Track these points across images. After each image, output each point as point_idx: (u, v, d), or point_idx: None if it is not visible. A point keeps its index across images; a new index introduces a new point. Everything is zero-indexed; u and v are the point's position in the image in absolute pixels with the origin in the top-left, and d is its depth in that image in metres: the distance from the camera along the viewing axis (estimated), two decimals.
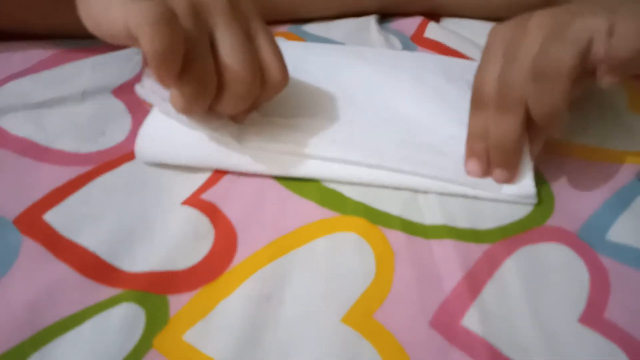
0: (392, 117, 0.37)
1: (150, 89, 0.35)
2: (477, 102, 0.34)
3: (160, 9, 0.27)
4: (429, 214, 0.32)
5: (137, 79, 0.41)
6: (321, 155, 0.33)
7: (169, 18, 0.27)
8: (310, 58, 0.41)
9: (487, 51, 0.34)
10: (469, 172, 0.33)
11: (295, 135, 0.34)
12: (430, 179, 0.33)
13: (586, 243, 0.31)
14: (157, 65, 0.27)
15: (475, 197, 0.33)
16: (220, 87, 0.30)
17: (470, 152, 0.34)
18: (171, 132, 0.34)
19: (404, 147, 0.35)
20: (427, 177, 0.33)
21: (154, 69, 0.27)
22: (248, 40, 0.31)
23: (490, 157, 0.33)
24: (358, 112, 0.37)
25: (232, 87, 0.30)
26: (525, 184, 0.33)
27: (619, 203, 0.33)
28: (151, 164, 0.34)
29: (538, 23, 0.31)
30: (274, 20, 0.48)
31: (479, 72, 0.34)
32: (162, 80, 0.28)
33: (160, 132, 0.34)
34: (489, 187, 0.33)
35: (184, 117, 0.32)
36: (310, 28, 0.48)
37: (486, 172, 0.33)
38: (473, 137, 0.34)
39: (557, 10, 0.32)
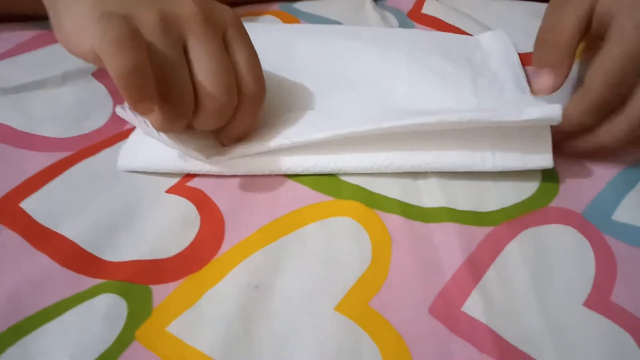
0: (391, 103, 0.35)
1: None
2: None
3: (122, 28, 0.25)
4: (429, 196, 0.31)
5: None
6: (312, 139, 0.31)
7: (131, 36, 0.25)
8: (302, 43, 0.39)
9: None
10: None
11: (284, 131, 0.32)
12: (437, 121, 0.29)
13: (592, 224, 0.30)
14: (123, 87, 0.25)
15: (477, 179, 0.31)
16: (196, 103, 0.28)
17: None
18: (153, 148, 0.31)
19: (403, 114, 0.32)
20: (433, 123, 0.29)
21: (122, 92, 0.26)
22: (223, 52, 0.29)
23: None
24: (355, 99, 0.35)
25: (207, 104, 0.28)
26: (548, 107, 0.29)
27: (624, 183, 0.32)
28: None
29: None
30: None
31: None
32: (132, 103, 0.26)
33: (143, 147, 0.32)
34: (508, 114, 0.29)
35: (164, 137, 0.29)
36: (303, 6, 0.46)
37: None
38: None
39: None
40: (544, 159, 0.31)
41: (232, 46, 0.29)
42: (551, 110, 0.29)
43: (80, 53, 0.29)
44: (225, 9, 0.30)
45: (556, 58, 0.33)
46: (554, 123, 0.29)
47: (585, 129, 0.32)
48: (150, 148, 0.31)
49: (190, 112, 0.28)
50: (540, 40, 0.34)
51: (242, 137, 0.32)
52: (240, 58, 0.29)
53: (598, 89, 0.30)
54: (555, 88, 0.33)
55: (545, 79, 0.33)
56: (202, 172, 0.31)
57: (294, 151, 0.31)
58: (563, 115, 0.29)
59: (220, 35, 0.29)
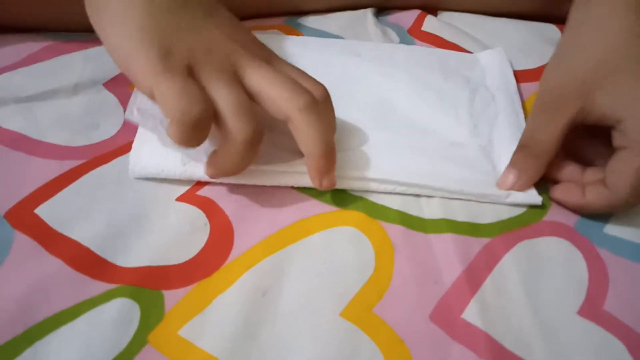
0: (391, 121, 0.36)
1: (146, 113, 0.32)
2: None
3: (202, 114, 0.27)
4: (429, 208, 0.32)
5: None
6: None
7: (209, 117, 0.27)
8: (304, 55, 0.40)
9: None
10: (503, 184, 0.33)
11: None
12: (436, 190, 0.32)
13: (584, 236, 0.31)
14: (182, 140, 0.27)
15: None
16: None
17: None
18: (164, 155, 0.32)
19: (407, 155, 0.34)
20: (433, 188, 0.32)
21: (177, 138, 0.27)
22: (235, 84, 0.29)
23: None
24: (354, 113, 0.36)
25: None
26: (531, 193, 0.33)
27: None
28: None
29: None
30: (270, 12, 0.47)
31: None
32: (183, 142, 0.28)
33: (154, 155, 0.33)
34: (495, 197, 0.32)
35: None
36: (307, 21, 0.47)
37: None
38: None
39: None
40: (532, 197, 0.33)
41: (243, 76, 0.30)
42: (534, 199, 0.33)
43: (126, 73, 0.30)
44: (240, 38, 0.31)
45: (531, 166, 0.33)
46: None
47: None
48: (160, 155, 0.32)
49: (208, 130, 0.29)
50: (522, 144, 0.33)
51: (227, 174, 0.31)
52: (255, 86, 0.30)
53: (624, 196, 0.30)
54: (520, 190, 0.33)
55: (512, 179, 0.33)
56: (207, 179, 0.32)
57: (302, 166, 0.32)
58: (584, 204, 0.31)
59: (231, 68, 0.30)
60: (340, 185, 0.32)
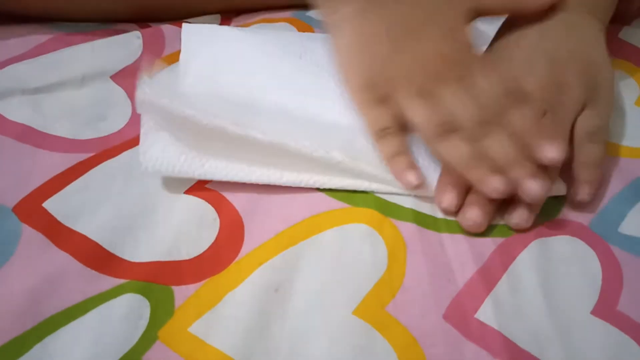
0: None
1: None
2: None
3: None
4: None
5: (137, 64, 0.40)
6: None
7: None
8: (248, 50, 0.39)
9: None
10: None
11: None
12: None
13: (598, 235, 0.31)
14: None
15: None
16: None
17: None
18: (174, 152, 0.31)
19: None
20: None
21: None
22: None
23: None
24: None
25: None
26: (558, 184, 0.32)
27: (631, 196, 0.33)
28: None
29: None
30: (276, 5, 0.47)
31: None
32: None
33: (166, 152, 0.32)
34: None
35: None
36: (316, 13, 0.47)
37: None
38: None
39: None
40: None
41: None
42: (560, 190, 0.32)
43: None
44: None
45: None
46: None
47: None
48: (174, 155, 0.31)
49: None
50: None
51: None
52: None
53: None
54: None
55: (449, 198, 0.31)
56: (216, 178, 0.32)
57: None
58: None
59: None
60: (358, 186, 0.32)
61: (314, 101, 0.35)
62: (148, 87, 0.31)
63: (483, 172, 0.29)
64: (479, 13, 0.34)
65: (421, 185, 0.31)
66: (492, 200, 0.30)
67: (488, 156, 0.30)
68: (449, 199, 0.30)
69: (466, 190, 0.31)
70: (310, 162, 0.31)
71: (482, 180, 0.29)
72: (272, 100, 0.34)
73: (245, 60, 0.37)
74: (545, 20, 0.34)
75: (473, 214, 0.30)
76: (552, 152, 0.29)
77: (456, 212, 0.31)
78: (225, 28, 0.42)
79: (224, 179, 0.31)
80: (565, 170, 0.32)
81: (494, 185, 0.29)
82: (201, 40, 0.39)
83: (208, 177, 0.31)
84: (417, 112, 0.31)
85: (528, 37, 0.34)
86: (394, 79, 0.32)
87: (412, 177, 0.31)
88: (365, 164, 0.32)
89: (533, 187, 0.29)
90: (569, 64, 0.33)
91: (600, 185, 0.32)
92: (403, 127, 0.32)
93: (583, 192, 0.31)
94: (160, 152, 0.31)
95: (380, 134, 0.32)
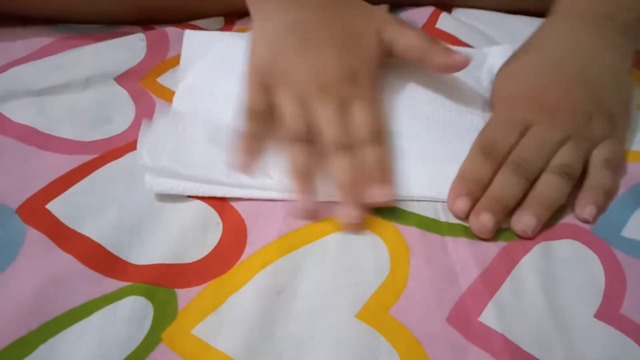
0: (409, 129, 0.36)
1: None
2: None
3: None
4: (445, 212, 0.32)
5: (141, 66, 0.40)
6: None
7: None
8: None
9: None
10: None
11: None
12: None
13: (601, 239, 0.31)
14: None
15: None
16: None
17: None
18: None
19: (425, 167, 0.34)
20: None
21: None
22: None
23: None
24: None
25: None
26: None
27: (633, 200, 0.33)
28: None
29: None
30: None
31: None
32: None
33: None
34: None
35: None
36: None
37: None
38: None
39: None
40: None
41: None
42: None
43: None
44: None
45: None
46: None
47: None
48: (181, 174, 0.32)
49: None
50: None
51: None
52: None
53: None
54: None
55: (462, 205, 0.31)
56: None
57: None
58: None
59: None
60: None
61: None
62: (146, 146, 0.32)
63: (303, 185, 0.31)
64: (391, 51, 0.36)
65: (251, 170, 0.32)
66: (504, 208, 0.31)
67: (328, 173, 0.31)
68: (462, 203, 0.31)
69: (478, 196, 0.31)
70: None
71: (298, 190, 0.31)
72: None
73: (243, 65, 0.38)
74: (577, 37, 0.36)
75: (485, 219, 0.30)
76: (379, 197, 0.31)
77: (466, 217, 0.31)
78: (226, 34, 0.42)
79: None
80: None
81: (304, 204, 0.30)
82: (201, 47, 0.40)
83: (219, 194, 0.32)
84: (287, 110, 0.32)
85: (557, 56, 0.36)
86: (285, 74, 0.33)
87: (242, 159, 0.32)
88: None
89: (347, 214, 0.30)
90: (602, 91, 0.34)
91: (605, 209, 0.32)
92: (271, 117, 0.33)
93: (585, 212, 0.32)
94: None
95: (249, 114, 0.33)
